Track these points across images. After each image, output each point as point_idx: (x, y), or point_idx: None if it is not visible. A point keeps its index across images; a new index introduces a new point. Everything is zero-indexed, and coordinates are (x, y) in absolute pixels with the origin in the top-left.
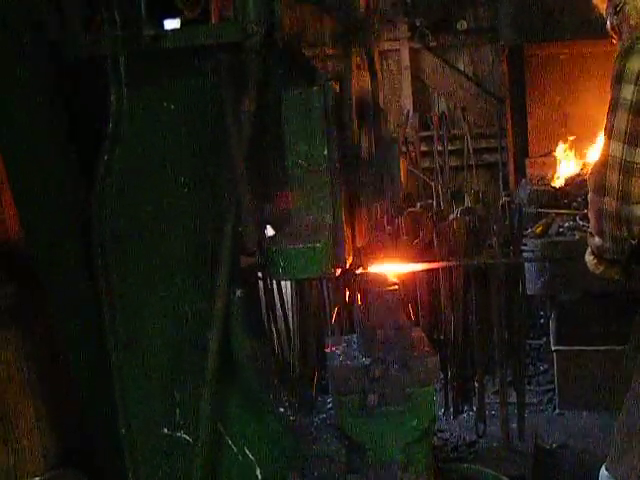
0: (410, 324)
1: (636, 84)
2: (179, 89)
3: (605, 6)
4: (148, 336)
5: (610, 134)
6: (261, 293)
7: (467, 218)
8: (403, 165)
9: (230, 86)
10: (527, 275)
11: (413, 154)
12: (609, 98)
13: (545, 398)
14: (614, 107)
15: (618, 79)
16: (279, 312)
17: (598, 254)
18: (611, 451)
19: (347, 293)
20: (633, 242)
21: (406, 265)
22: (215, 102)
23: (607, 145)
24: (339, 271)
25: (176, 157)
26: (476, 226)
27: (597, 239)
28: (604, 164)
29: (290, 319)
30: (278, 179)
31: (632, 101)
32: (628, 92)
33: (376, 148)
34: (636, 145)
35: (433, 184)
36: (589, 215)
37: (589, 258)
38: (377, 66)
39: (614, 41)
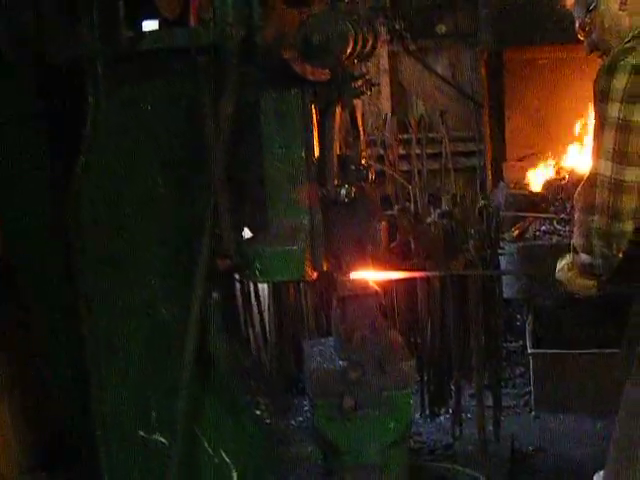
0: (387, 327)
1: (622, 102)
2: (157, 91)
3: (574, 2)
4: (125, 338)
5: (598, 153)
6: (238, 296)
7: (444, 221)
8: (384, 227)
9: (208, 89)
10: (504, 279)
11: (391, 157)
12: (595, 117)
13: (521, 401)
14: (601, 126)
15: (603, 97)
16: (256, 315)
17: (584, 271)
18: (608, 465)
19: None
20: (619, 257)
21: (383, 273)
22: (193, 104)
23: (596, 164)
24: (316, 274)
25: (153, 159)
26: (454, 229)
27: (584, 256)
28: (593, 183)
29: (267, 322)
30: (255, 182)
31: (618, 118)
32: (614, 110)
33: (357, 203)
34: (624, 163)
35: (411, 187)
36: (575, 233)
37: (566, 274)
38: (360, 122)
39: (581, 38)
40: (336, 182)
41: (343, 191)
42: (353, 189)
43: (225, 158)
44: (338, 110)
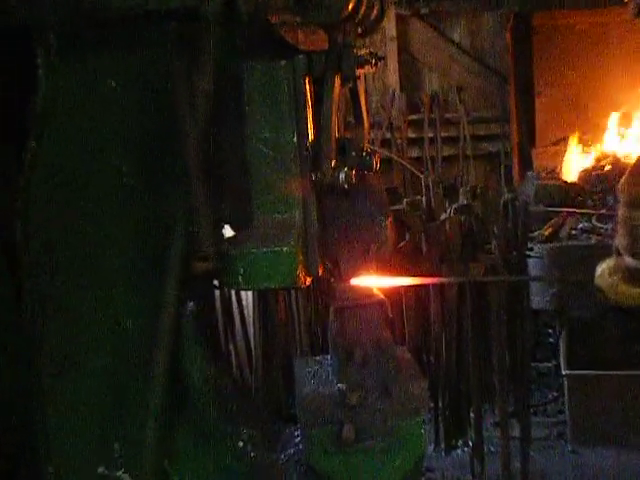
0: (394, 342)
1: None
2: (121, 63)
3: None
4: (84, 358)
5: None
6: (217, 305)
7: (462, 218)
8: (391, 224)
9: (183, 61)
10: (533, 286)
11: (399, 141)
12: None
13: (554, 432)
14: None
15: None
16: (239, 328)
17: (629, 277)
18: None
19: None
20: None
21: (389, 279)
22: (164, 79)
23: None
24: (310, 280)
25: (117, 145)
26: (473, 227)
27: (629, 260)
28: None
29: (252, 336)
30: (238, 171)
31: None
32: None
33: (359, 195)
34: None
35: (422, 177)
36: (620, 232)
37: (607, 280)
38: (362, 100)
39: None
40: (334, 165)
41: (342, 175)
42: (353, 173)
43: (202, 143)
44: (337, 83)
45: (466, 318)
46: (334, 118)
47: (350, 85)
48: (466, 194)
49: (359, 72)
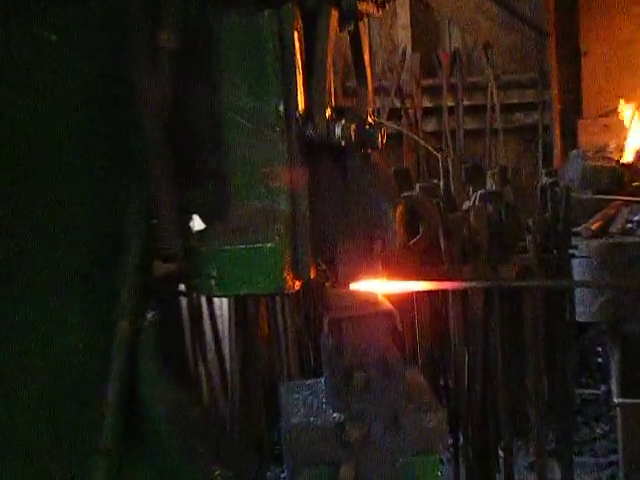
0: (404, 362)
1: None
2: (67, 15)
3: None
4: (17, 381)
5: None
6: (184, 316)
7: (490, 207)
8: (400, 214)
9: (142, 12)
10: (577, 294)
11: (411, 111)
12: None
13: (605, 475)
14: None
15: None
16: (211, 344)
17: None
18: None
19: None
20: None
21: (399, 284)
22: (119, 35)
23: None
24: (299, 284)
25: (60, 115)
26: (503, 219)
27: None
28: None
29: (227, 355)
30: (211, 147)
31: None
32: None
33: (361, 179)
34: None
35: (440, 156)
36: None
37: None
38: (366, 59)
39: None
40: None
41: (338, 130)
42: (353, 128)
43: (165, 113)
44: (334, 18)
45: (494, 333)
46: (329, 60)
47: (350, 28)
48: (495, 177)
49: (362, 9)
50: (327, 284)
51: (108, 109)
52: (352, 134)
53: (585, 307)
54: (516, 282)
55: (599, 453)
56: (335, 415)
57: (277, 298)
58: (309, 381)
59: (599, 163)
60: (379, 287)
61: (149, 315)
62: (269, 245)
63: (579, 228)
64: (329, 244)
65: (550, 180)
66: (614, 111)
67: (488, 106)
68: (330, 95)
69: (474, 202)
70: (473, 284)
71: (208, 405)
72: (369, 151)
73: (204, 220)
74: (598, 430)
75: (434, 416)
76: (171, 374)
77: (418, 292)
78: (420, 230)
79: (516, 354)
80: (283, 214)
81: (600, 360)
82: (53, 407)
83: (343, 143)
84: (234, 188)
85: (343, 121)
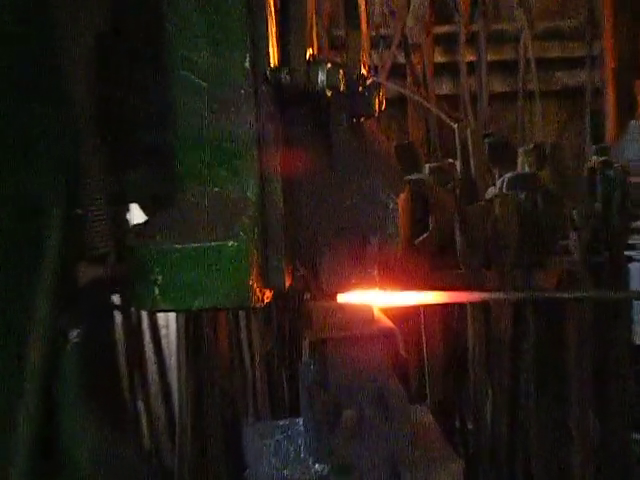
0: (408, 397)
1: None
2: None
3: None
4: None
5: None
6: (119, 334)
7: (521, 195)
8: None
9: None
10: (636, 310)
11: (418, 68)
12: None
13: None
14: None
15: None
16: (153, 373)
17: None
18: None
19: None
20: None
21: (401, 295)
22: None
23: None
24: (270, 296)
25: None
26: (539, 211)
27: None
28: None
29: (175, 387)
30: (155, 118)
31: None
32: None
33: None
34: None
35: (456, 128)
36: None
37: None
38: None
39: None
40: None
41: (321, 75)
42: (342, 74)
43: (93, 74)
44: None
45: (525, 358)
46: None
47: None
48: (528, 156)
49: None
50: (308, 295)
51: (19, 70)
52: (340, 82)
53: None
54: (556, 293)
55: None
56: (317, 466)
57: (241, 314)
58: (282, 421)
59: None
60: (375, 299)
61: (72, 334)
62: (231, 243)
63: (639, 223)
64: (310, 243)
65: (601, 160)
66: None
67: (520, 62)
68: (312, 42)
69: (501, 188)
70: (499, 295)
71: (148, 450)
72: (362, 120)
73: (145, 210)
74: None
75: (447, 469)
76: (99, 408)
77: (426, 306)
78: (430, 225)
79: (555, 386)
80: (250, 203)
81: None
82: None
83: (329, 94)
84: (185, 169)
85: (329, 65)
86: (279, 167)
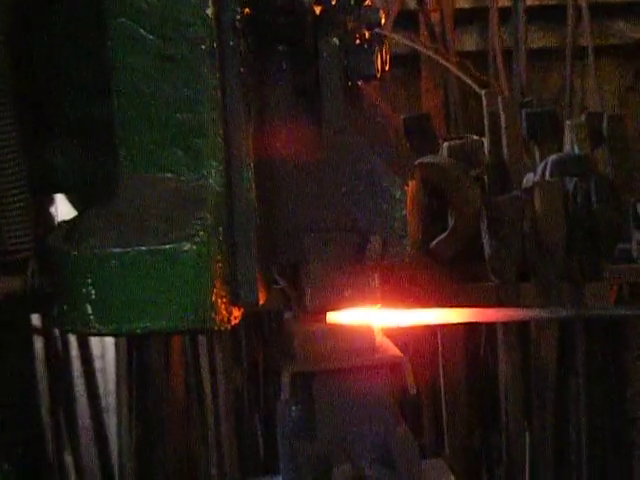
0: (420, 448)
1: None
2: None
3: None
4: None
5: None
6: (39, 365)
7: (570, 186)
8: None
9: None
10: None
11: (436, 17)
12: None
13: None
14: None
15: None
16: (85, 418)
17: None
18: None
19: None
20: None
21: (411, 313)
22: None
23: None
24: (239, 314)
25: None
26: (593, 204)
27: None
28: None
29: (113, 436)
30: (85, 81)
31: None
32: None
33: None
34: None
35: (484, 94)
36: None
37: None
38: None
39: None
40: None
41: None
42: None
43: (8, 19)
44: None
45: (575, 393)
46: None
47: None
48: (579, 132)
49: None
50: (288, 313)
51: None
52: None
53: None
54: (614, 310)
55: None
56: None
57: (201, 339)
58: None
59: None
60: (377, 318)
61: None
62: (187, 247)
63: None
64: (292, 245)
65: None
66: None
67: (568, 9)
68: None
69: (542, 175)
70: (540, 314)
71: None
72: (361, 83)
73: (75, 205)
74: None
75: None
76: (16, 462)
77: (444, 327)
78: (449, 222)
79: (613, 434)
80: (212, 194)
81: None
82: None
83: (317, 11)
84: (127, 149)
85: None
86: (250, 146)
